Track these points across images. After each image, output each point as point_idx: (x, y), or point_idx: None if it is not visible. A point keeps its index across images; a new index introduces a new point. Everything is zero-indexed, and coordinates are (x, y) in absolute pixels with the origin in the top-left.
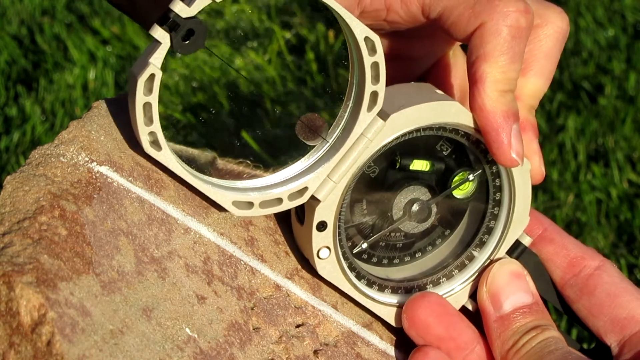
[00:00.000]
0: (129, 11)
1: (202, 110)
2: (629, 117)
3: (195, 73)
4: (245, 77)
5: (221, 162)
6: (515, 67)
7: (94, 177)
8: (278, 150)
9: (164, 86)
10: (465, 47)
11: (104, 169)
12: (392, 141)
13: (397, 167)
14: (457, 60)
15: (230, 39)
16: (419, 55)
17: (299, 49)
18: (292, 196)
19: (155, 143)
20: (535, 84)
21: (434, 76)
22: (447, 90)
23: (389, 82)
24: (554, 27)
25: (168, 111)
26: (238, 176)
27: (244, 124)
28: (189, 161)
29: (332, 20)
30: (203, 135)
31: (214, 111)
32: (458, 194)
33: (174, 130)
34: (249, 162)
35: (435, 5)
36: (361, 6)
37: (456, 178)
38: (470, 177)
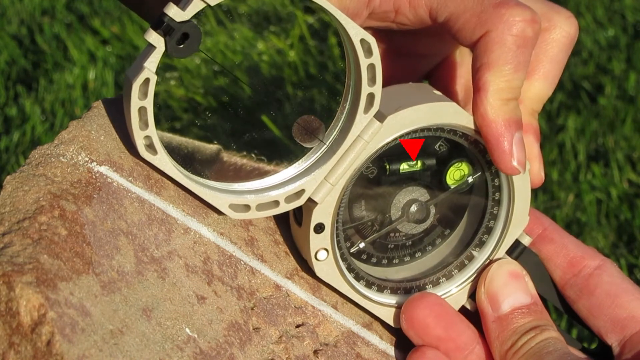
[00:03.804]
0: (136, 7)
1: (223, 94)
2: (629, 117)
3: (217, 57)
4: (242, 81)
5: (225, 155)
6: (519, 76)
7: (93, 177)
8: (284, 145)
9: (185, 69)
10: None
11: (103, 169)
12: (389, 142)
13: (387, 173)
14: (463, 59)
15: (252, 23)
16: (426, 52)
17: (322, 34)
18: (289, 199)
19: (150, 147)
20: (539, 88)
21: (440, 74)
22: (453, 89)
23: (395, 77)
24: (562, 32)
25: (189, 94)
26: (235, 178)
27: (262, 110)
28: (186, 163)
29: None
30: (218, 123)
31: (231, 97)
32: (453, 184)
33: (194, 114)
34: (252, 155)
35: (442, 11)
36: (370, 7)
37: (451, 169)
38: (470, 179)
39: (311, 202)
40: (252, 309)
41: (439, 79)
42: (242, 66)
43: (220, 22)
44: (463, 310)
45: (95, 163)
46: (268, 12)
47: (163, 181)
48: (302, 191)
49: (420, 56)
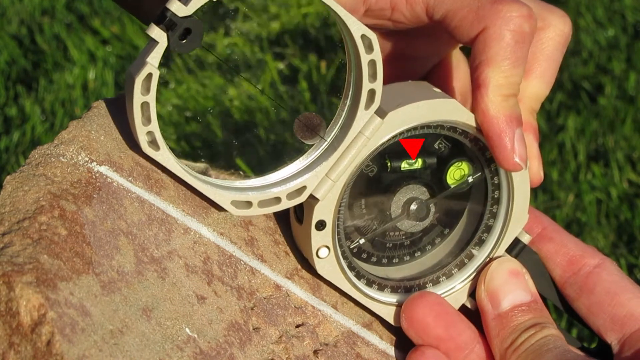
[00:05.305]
0: (133, 9)
1: (196, 139)
2: (629, 117)
3: (189, 103)
4: (251, 82)
5: (213, 173)
6: (518, 72)
7: (93, 177)
8: (271, 162)
9: (157, 115)
10: (466, 50)
11: (103, 169)
12: (390, 139)
13: (389, 170)
14: (458, 62)
15: (222, 70)
16: (421, 54)
17: (292, 79)
18: (291, 195)
19: (153, 143)
20: (537, 87)
21: (436, 77)
22: (448, 91)
23: (390, 80)
24: (557, 31)
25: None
26: (236, 176)
27: (237, 149)
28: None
29: (323, 50)
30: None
31: (207, 141)
32: (454, 183)
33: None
34: (240, 173)
35: (439, 7)
36: (366, 4)
37: (451, 168)
38: (470, 179)
39: (312, 199)
40: (252, 309)
41: (435, 82)
42: (213, 112)
43: (191, 71)
44: (463, 309)
45: (95, 163)
46: (238, 59)
47: (163, 181)
48: (304, 188)
49: (416, 58)
